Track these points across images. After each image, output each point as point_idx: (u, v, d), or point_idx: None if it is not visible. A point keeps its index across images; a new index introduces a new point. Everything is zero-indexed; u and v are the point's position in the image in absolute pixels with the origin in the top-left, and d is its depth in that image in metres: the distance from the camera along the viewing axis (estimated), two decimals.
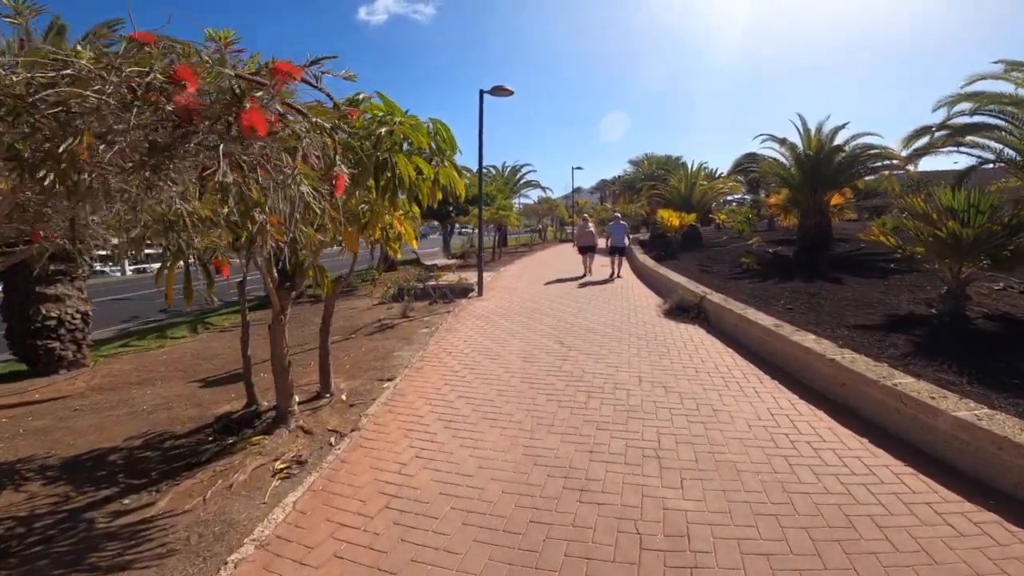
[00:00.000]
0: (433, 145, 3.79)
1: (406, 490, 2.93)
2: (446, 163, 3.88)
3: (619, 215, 13.82)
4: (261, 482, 3.07)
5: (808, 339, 4.67)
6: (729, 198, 23.54)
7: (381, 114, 3.41)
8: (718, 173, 21.80)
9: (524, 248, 26.34)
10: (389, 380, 4.96)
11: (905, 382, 3.49)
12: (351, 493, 2.93)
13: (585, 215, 15.80)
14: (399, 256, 8.49)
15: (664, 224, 15.20)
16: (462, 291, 9.96)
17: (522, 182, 32.35)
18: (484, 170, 32.37)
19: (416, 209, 4.43)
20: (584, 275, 12.50)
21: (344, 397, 4.58)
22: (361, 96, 3.40)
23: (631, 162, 27.31)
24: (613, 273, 12.00)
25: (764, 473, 2.95)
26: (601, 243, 14.84)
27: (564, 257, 18.71)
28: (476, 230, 18.71)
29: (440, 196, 3.99)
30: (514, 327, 7.13)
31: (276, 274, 4.04)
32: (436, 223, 23.83)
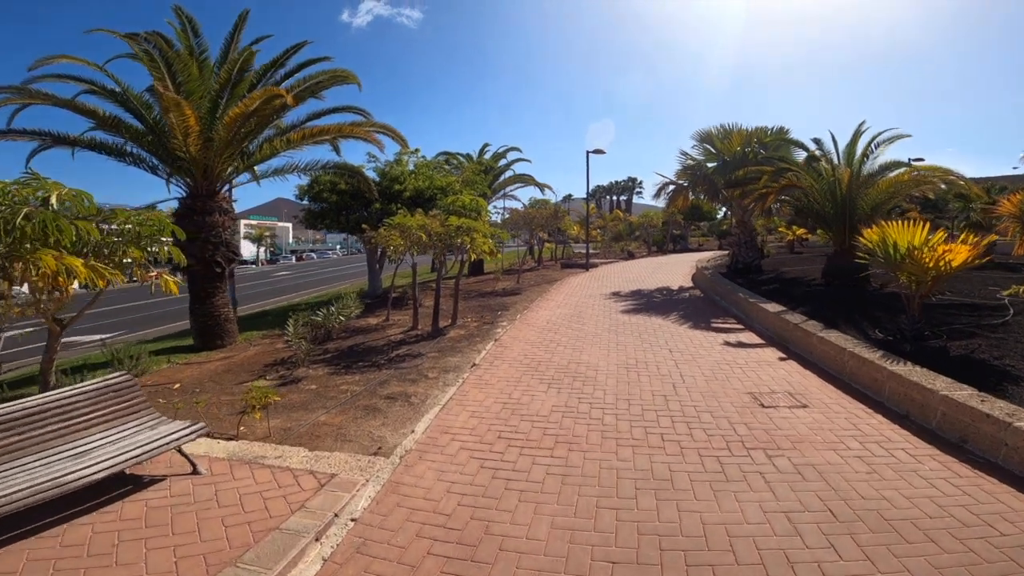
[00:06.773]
0: None
1: None
2: None
3: None
4: None
5: None
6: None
7: None
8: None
9: (507, 283, 16.07)
10: None
11: None
12: None
13: None
14: None
15: (907, 266, 5.38)
16: None
17: (507, 176, 22.36)
18: (443, 156, 20.98)
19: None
20: None
21: None
22: None
23: (699, 137, 14.83)
24: None
25: None
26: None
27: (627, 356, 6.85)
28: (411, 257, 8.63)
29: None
30: None
31: None
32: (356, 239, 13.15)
